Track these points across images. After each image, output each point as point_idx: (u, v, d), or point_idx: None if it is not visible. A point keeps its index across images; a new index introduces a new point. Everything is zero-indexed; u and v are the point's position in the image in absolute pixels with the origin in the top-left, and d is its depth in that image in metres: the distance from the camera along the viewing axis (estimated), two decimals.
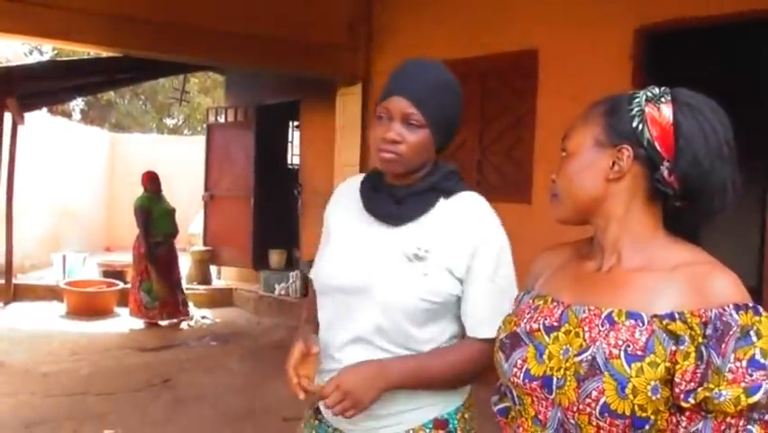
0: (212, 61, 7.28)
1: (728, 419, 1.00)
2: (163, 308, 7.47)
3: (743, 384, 0.98)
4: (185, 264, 8.63)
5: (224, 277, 9.74)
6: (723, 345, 1.00)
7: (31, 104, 8.41)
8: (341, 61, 6.42)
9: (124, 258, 9.31)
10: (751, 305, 1.03)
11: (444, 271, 1.46)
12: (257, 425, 4.55)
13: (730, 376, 0.98)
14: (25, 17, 4.78)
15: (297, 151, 9.51)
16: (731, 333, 1.00)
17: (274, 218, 9.02)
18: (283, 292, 8.18)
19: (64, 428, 4.39)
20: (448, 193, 1.52)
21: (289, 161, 10.03)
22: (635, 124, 1.12)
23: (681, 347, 1.03)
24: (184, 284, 8.00)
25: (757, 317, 1.01)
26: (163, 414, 4.73)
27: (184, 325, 7.67)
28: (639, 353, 1.04)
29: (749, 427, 0.99)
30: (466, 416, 1.57)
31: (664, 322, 1.05)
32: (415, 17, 6.06)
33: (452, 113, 1.51)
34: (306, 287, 6.45)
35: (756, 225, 6.04)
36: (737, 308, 1.02)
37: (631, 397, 1.03)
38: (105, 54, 6.79)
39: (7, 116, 7.77)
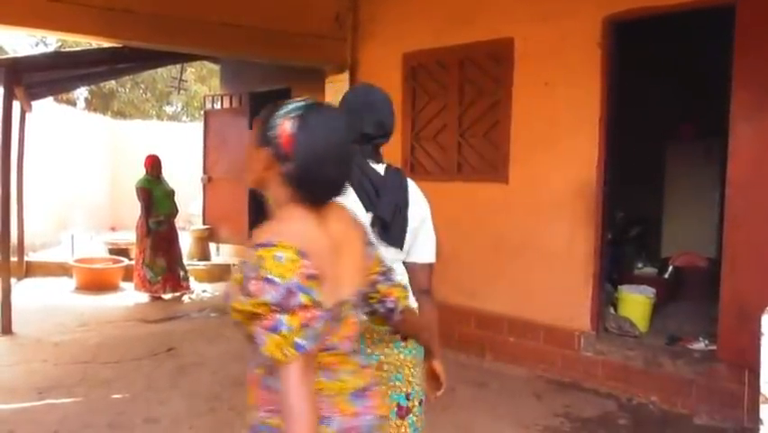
0: (207, 52, 7.19)
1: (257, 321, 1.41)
2: (166, 282, 7.47)
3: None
4: (186, 242, 8.61)
5: (222, 253, 9.72)
6: (248, 282, 1.33)
7: (37, 92, 8.31)
8: (329, 51, 6.36)
9: (128, 237, 9.28)
10: (266, 242, 1.33)
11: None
12: None
13: (253, 291, 1.32)
14: (28, 9, 4.70)
15: None
16: (248, 264, 1.34)
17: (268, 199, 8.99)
18: None
19: (74, 394, 4.40)
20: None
21: None
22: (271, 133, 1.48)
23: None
24: (185, 260, 7.99)
25: (267, 249, 1.32)
26: (167, 380, 4.74)
27: (186, 298, 7.68)
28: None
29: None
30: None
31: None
32: (397, 8, 6.00)
33: None
34: None
35: (715, 200, 6.09)
36: (256, 246, 1.35)
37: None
38: (106, 45, 6.69)
39: (15, 105, 7.66)
